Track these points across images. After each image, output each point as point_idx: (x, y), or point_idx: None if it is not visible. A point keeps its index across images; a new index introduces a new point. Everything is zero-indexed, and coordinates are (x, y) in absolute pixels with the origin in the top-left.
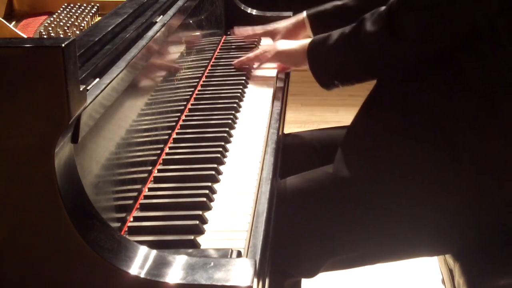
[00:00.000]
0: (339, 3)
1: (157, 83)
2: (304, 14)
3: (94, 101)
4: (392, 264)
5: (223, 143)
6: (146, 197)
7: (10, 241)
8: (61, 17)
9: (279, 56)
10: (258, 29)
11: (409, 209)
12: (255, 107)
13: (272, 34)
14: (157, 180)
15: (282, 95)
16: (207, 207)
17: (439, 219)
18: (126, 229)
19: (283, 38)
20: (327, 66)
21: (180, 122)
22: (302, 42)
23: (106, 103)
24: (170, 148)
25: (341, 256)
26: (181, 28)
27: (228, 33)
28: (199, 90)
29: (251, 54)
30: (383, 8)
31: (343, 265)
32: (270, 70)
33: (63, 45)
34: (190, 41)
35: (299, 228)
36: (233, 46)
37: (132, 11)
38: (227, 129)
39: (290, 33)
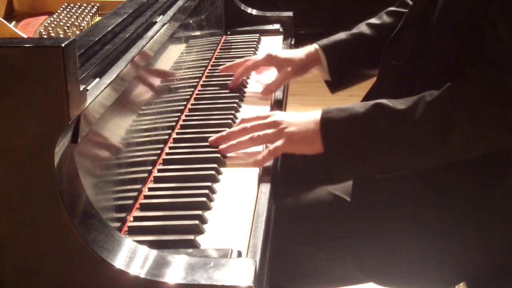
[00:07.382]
0: (354, 31)
1: (157, 83)
2: (316, 46)
3: (94, 101)
4: None
5: None
6: (146, 197)
7: (10, 241)
8: (61, 17)
9: (292, 142)
10: (253, 60)
11: (417, 238)
12: (255, 107)
13: (283, 64)
14: (157, 180)
15: (282, 95)
16: (207, 207)
17: (446, 250)
18: (126, 229)
19: (296, 73)
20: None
21: (180, 122)
22: (311, 116)
23: (106, 103)
24: (170, 148)
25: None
26: (181, 28)
27: (218, 70)
28: (199, 90)
29: (245, 138)
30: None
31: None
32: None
33: (63, 45)
34: (190, 41)
35: (298, 245)
36: (233, 46)
37: (132, 11)
38: (227, 129)
39: (304, 67)
